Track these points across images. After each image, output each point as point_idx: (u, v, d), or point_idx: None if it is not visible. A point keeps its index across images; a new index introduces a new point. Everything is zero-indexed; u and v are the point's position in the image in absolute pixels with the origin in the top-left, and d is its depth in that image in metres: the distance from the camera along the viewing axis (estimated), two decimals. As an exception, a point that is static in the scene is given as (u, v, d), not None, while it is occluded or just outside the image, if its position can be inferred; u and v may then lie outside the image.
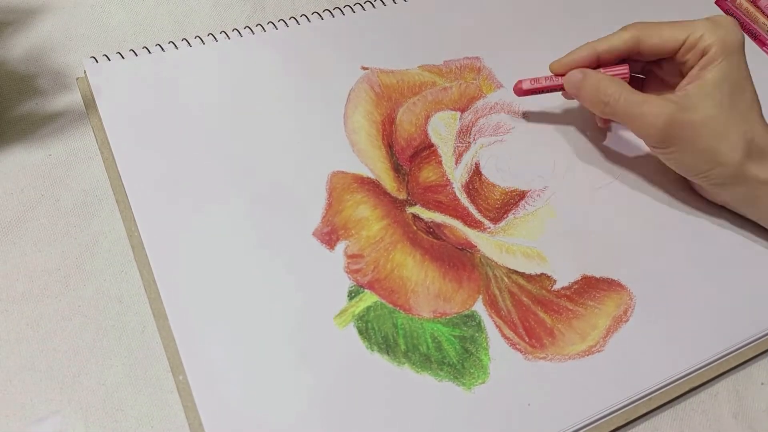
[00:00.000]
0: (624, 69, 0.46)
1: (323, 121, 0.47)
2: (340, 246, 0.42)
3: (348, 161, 0.45)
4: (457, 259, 0.43)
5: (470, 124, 0.49)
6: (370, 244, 0.42)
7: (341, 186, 0.44)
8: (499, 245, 0.44)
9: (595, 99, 0.44)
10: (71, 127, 0.45)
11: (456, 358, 0.39)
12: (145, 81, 0.46)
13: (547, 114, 0.50)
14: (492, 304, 0.41)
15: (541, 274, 0.43)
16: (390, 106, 0.48)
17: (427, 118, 0.48)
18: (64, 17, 0.51)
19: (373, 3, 0.53)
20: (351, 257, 0.41)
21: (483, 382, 0.39)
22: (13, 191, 0.43)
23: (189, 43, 0.48)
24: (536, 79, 0.47)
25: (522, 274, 0.43)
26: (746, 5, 0.59)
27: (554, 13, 0.56)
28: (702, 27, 0.43)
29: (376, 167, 0.45)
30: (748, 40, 0.58)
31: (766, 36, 0.58)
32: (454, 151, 0.47)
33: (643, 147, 0.48)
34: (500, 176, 0.47)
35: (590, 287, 0.43)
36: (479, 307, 0.41)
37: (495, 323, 0.41)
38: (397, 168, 0.46)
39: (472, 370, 0.39)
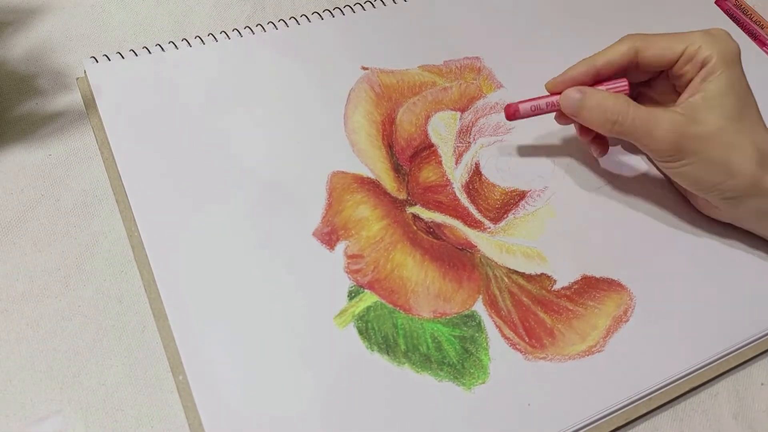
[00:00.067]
0: (623, 83, 0.44)
1: (323, 121, 0.47)
2: (340, 246, 0.42)
3: (348, 161, 0.45)
4: (457, 259, 0.43)
5: (470, 124, 0.49)
6: (370, 244, 0.42)
7: (341, 186, 0.44)
8: (499, 245, 0.44)
9: (602, 118, 0.42)
10: (71, 127, 0.45)
11: (456, 358, 0.39)
12: (145, 81, 0.46)
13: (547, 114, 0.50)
14: (492, 304, 0.41)
15: (541, 274, 0.43)
16: (390, 106, 0.48)
17: (427, 118, 0.48)
18: (64, 17, 0.51)
19: (373, 3, 0.53)
20: (351, 257, 0.41)
21: (483, 382, 0.39)
22: (13, 191, 0.43)
23: (189, 43, 0.48)
24: (530, 102, 0.45)
25: (522, 274, 0.43)
26: (746, 5, 0.59)
27: (554, 13, 0.56)
28: (699, 38, 0.42)
29: (376, 167, 0.45)
30: (748, 39, 0.58)
31: (766, 36, 0.58)
32: (454, 151, 0.47)
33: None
34: (500, 176, 0.47)
35: (590, 287, 0.43)
36: (479, 307, 0.41)
37: (495, 323, 0.41)
38: (397, 168, 0.46)
39: (472, 370, 0.39)
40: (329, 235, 0.42)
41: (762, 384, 0.43)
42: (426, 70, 0.51)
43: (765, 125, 0.42)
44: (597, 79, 0.44)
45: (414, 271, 0.42)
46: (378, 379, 0.38)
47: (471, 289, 0.42)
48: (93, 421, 0.36)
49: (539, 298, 0.42)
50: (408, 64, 0.51)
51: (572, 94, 0.43)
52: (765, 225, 0.44)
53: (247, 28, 0.50)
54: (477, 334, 0.40)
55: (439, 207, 0.45)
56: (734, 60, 0.42)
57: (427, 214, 0.44)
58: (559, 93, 0.44)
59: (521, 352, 0.40)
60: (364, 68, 0.50)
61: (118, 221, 0.42)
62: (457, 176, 0.46)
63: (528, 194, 0.46)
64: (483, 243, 0.44)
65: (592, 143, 0.46)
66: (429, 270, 0.42)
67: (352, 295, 0.40)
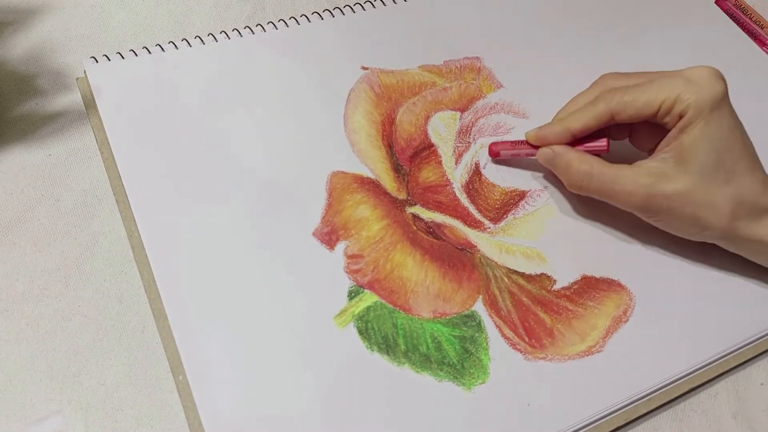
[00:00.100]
0: (602, 144, 0.44)
1: (323, 121, 0.47)
2: (340, 246, 0.42)
3: (348, 161, 0.45)
4: (457, 259, 0.43)
5: (470, 124, 0.49)
6: (370, 244, 0.42)
7: (341, 186, 0.44)
8: (499, 245, 0.44)
9: (569, 180, 0.43)
10: (71, 127, 0.45)
11: (456, 358, 0.39)
12: (145, 81, 0.46)
13: (547, 114, 0.50)
14: (492, 304, 0.41)
15: (541, 274, 0.43)
16: (390, 106, 0.48)
17: (427, 118, 0.48)
18: (64, 17, 0.51)
19: (373, 3, 0.53)
20: (351, 257, 0.41)
21: (483, 382, 0.39)
22: (13, 191, 0.43)
23: (189, 43, 0.48)
24: (513, 144, 0.46)
25: (522, 274, 0.43)
26: (746, 5, 0.59)
27: (554, 13, 0.56)
28: (677, 87, 0.40)
29: (376, 167, 0.45)
30: (748, 39, 0.58)
31: (766, 36, 0.58)
32: (454, 151, 0.47)
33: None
34: (500, 176, 0.47)
35: (590, 287, 0.43)
36: (479, 307, 0.41)
37: (495, 323, 0.41)
38: (397, 168, 0.46)
39: (472, 370, 0.39)
40: (329, 235, 0.42)
41: (762, 384, 0.43)
42: (426, 70, 0.51)
43: (750, 165, 0.41)
44: (573, 140, 0.44)
45: (414, 271, 0.42)
46: (378, 379, 0.38)
47: (471, 289, 0.42)
48: (93, 421, 0.36)
49: (539, 298, 0.42)
50: (408, 64, 0.50)
51: (546, 152, 0.45)
52: (758, 260, 0.44)
53: (247, 28, 0.50)
54: (477, 334, 0.40)
55: (439, 207, 0.45)
56: (714, 106, 0.40)
57: (427, 214, 0.44)
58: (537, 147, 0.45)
59: (521, 352, 0.40)
60: (364, 68, 0.50)
61: (118, 221, 0.42)
62: (457, 176, 0.46)
63: (528, 194, 0.46)
64: (483, 243, 0.44)
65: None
66: (429, 270, 0.42)
67: (352, 295, 0.40)
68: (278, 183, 0.44)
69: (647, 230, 0.45)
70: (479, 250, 0.43)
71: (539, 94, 0.49)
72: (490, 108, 0.50)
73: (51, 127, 0.45)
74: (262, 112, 0.46)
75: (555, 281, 0.43)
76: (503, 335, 0.40)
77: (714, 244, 0.44)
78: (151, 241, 0.40)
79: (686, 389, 0.41)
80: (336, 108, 0.47)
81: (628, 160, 0.43)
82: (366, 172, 0.45)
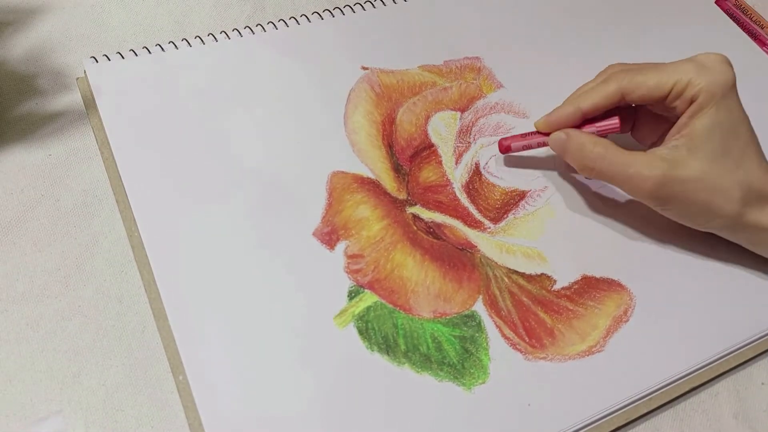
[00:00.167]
0: (614, 122, 0.44)
1: (323, 121, 0.47)
2: (340, 246, 0.42)
3: (348, 161, 0.45)
4: (457, 259, 0.43)
5: (470, 124, 0.49)
6: (370, 244, 0.42)
7: (341, 186, 0.44)
8: (499, 245, 0.44)
9: (580, 162, 0.43)
10: (71, 127, 0.45)
11: (456, 358, 0.39)
12: (145, 81, 0.46)
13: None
14: (492, 304, 0.41)
15: (541, 274, 0.43)
16: (390, 106, 0.48)
17: (428, 118, 0.48)
18: (64, 17, 0.51)
19: (373, 3, 0.53)
20: (351, 257, 0.41)
21: (483, 382, 0.39)
22: (13, 191, 0.43)
23: (189, 43, 0.48)
24: (523, 136, 0.46)
25: (522, 274, 0.43)
26: (746, 5, 0.59)
27: (554, 13, 0.56)
28: (689, 71, 0.41)
29: (376, 167, 0.45)
30: (748, 39, 0.58)
31: (766, 36, 0.58)
32: (454, 151, 0.47)
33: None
34: (500, 176, 0.47)
35: (590, 287, 0.43)
36: (479, 307, 0.41)
37: (495, 323, 0.41)
38: (397, 168, 0.46)
39: (472, 370, 0.39)
40: (329, 235, 0.42)
41: (762, 384, 0.43)
42: (426, 70, 0.51)
43: (757, 155, 0.41)
44: (584, 120, 0.44)
45: (414, 271, 0.42)
46: (378, 379, 0.38)
47: (471, 289, 0.42)
48: (93, 422, 0.36)
49: (539, 298, 0.42)
50: (408, 64, 0.50)
51: (559, 135, 0.44)
52: (758, 250, 0.44)
53: (247, 28, 0.50)
54: (477, 334, 0.40)
55: (439, 207, 0.45)
56: (725, 92, 0.41)
57: (427, 214, 0.44)
58: (547, 134, 0.45)
59: (521, 352, 0.40)
60: (364, 68, 0.50)
61: (118, 221, 0.42)
62: (457, 176, 0.46)
63: (528, 194, 0.46)
64: (483, 243, 0.44)
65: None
66: (429, 270, 0.42)
67: (352, 295, 0.40)
68: (278, 183, 0.44)
69: (648, 230, 0.45)
70: (479, 250, 0.43)
71: (539, 94, 0.49)
72: (491, 108, 0.50)
73: (51, 127, 0.45)
74: (262, 112, 0.46)
75: (555, 281, 0.43)
76: (503, 335, 0.40)
77: (714, 244, 0.44)
78: (151, 241, 0.40)
79: (687, 389, 0.41)
80: (336, 108, 0.47)
81: None
82: (366, 172, 0.45)
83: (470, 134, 0.48)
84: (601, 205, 0.46)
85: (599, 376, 0.40)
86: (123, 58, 0.47)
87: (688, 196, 0.41)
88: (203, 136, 0.45)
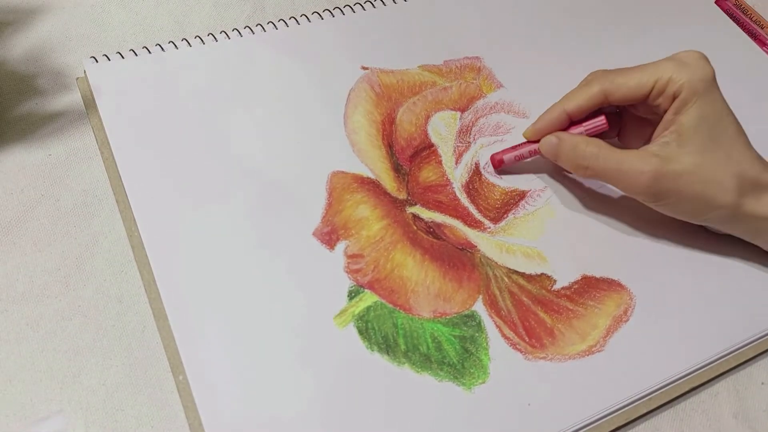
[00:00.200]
0: (601, 121, 0.44)
1: (323, 121, 0.47)
2: (340, 246, 0.42)
3: (348, 161, 0.45)
4: (457, 259, 0.43)
5: (470, 124, 0.49)
6: (370, 244, 0.42)
7: (341, 186, 0.44)
8: (499, 245, 0.44)
9: (573, 162, 0.43)
10: (71, 127, 0.45)
11: (456, 358, 0.39)
12: (145, 81, 0.46)
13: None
14: (492, 304, 0.41)
15: (541, 274, 0.43)
16: (390, 106, 0.48)
17: (427, 118, 0.48)
18: (64, 17, 0.51)
19: (373, 3, 0.53)
20: (351, 257, 0.41)
21: (483, 382, 0.39)
22: (13, 191, 0.43)
23: (189, 43, 0.48)
24: (513, 148, 0.46)
25: (522, 274, 0.43)
26: (746, 5, 0.59)
27: (554, 13, 0.56)
28: (669, 69, 0.41)
29: (376, 167, 0.45)
30: (748, 39, 0.58)
31: (766, 36, 0.58)
32: (454, 150, 0.47)
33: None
34: (500, 176, 0.47)
35: (590, 287, 0.43)
36: (479, 307, 0.41)
37: (495, 323, 0.41)
38: (397, 168, 0.46)
39: (472, 370, 0.39)
40: (329, 235, 0.42)
41: (762, 384, 0.43)
42: (426, 69, 0.51)
43: (745, 145, 0.42)
44: (570, 122, 0.45)
45: (414, 270, 0.42)
46: (378, 379, 0.38)
47: (471, 289, 0.42)
48: (93, 421, 0.36)
49: (539, 298, 0.42)
50: (408, 64, 0.51)
51: (549, 139, 0.44)
52: (757, 241, 0.44)
53: (247, 28, 0.50)
54: (477, 334, 0.40)
55: (439, 207, 0.45)
56: (707, 87, 0.41)
57: (427, 214, 0.44)
58: (537, 141, 0.45)
59: (521, 352, 0.40)
60: (364, 68, 0.50)
61: (118, 221, 0.42)
62: (457, 176, 0.46)
63: (528, 194, 0.46)
64: (483, 243, 0.44)
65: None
66: (429, 270, 0.42)
67: (352, 294, 0.40)
68: (278, 183, 0.44)
69: (648, 230, 0.45)
70: (479, 250, 0.43)
71: (539, 94, 0.49)
72: (491, 108, 0.50)
73: (51, 127, 0.45)
74: (262, 112, 0.46)
75: (555, 281, 0.43)
76: (503, 335, 0.40)
77: (714, 244, 0.44)
78: (151, 241, 0.40)
79: (687, 389, 0.41)
80: (336, 108, 0.47)
81: None
82: (366, 172, 0.45)
83: (470, 134, 0.48)
84: (601, 205, 0.46)
85: (599, 375, 0.40)
86: (123, 58, 0.47)
87: (683, 190, 0.41)
88: (203, 136, 0.45)
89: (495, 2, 0.56)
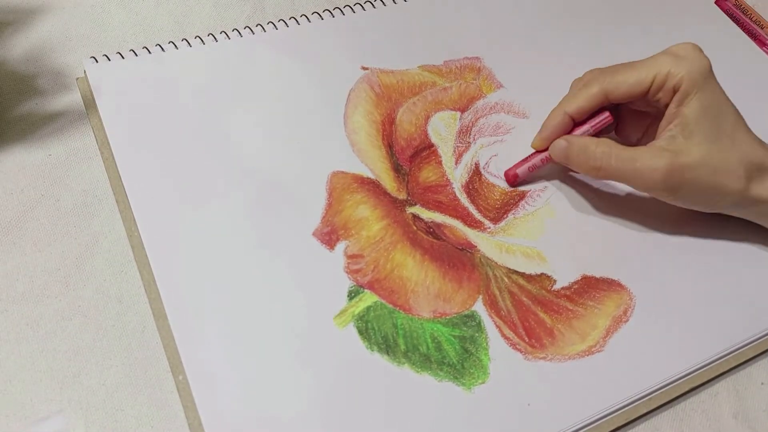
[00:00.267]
0: (606, 116, 0.44)
1: (323, 121, 0.47)
2: (340, 246, 0.42)
3: (348, 161, 0.45)
4: (457, 259, 0.43)
5: (470, 124, 0.49)
6: (370, 244, 0.42)
7: (341, 186, 0.44)
8: (499, 245, 0.44)
9: (585, 165, 0.43)
10: (71, 127, 0.45)
11: (456, 358, 0.39)
12: (145, 81, 0.46)
13: (547, 113, 0.50)
14: (492, 304, 0.41)
15: (541, 274, 0.43)
16: (390, 106, 0.48)
17: (427, 118, 0.48)
18: (64, 17, 0.51)
19: (373, 3, 0.53)
20: (351, 257, 0.41)
21: (483, 382, 0.39)
22: (13, 191, 0.43)
23: (189, 43, 0.48)
24: (525, 160, 0.46)
25: (522, 274, 0.43)
26: (746, 5, 0.59)
27: (554, 13, 0.56)
28: (666, 63, 0.42)
29: (376, 167, 0.45)
30: (748, 39, 0.58)
31: (766, 36, 0.58)
32: (454, 151, 0.47)
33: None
34: (500, 176, 0.47)
35: (590, 287, 0.43)
36: (479, 307, 0.41)
37: (495, 323, 0.41)
38: (397, 168, 0.46)
39: (472, 370, 0.39)
40: (329, 235, 0.42)
41: (762, 383, 0.43)
42: (426, 70, 0.51)
43: (746, 131, 0.42)
44: (575, 123, 0.45)
45: (414, 271, 0.42)
46: (378, 379, 0.38)
47: (471, 289, 0.42)
48: (93, 421, 0.36)
49: (539, 298, 0.42)
50: (408, 64, 0.51)
51: (559, 143, 0.45)
52: (765, 224, 0.45)
53: (247, 28, 0.50)
54: (477, 334, 0.40)
55: (439, 207, 0.45)
56: (705, 78, 0.42)
57: (427, 214, 0.44)
58: (546, 149, 0.45)
59: (521, 352, 0.40)
60: (364, 68, 0.50)
61: (118, 221, 0.42)
62: (457, 176, 0.46)
63: (528, 194, 0.46)
64: (483, 243, 0.44)
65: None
66: (429, 270, 0.42)
67: (352, 295, 0.40)
68: (278, 183, 0.44)
69: (648, 230, 0.45)
70: (479, 250, 0.43)
71: (539, 94, 0.49)
72: (490, 108, 0.50)
73: (51, 127, 0.45)
74: (262, 112, 0.46)
75: (555, 281, 0.43)
76: (503, 335, 0.40)
77: (714, 244, 0.44)
78: (151, 241, 0.40)
79: (686, 389, 0.41)
80: (336, 108, 0.47)
81: None
82: (366, 172, 0.45)
83: (470, 134, 0.48)
84: (600, 205, 0.46)
85: (599, 376, 0.40)
86: (123, 58, 0.47)
87: (696, 181, 0.41)
88: (203, 136, 0.45)
89: (495, 2, 0.56)
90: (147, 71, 0.47)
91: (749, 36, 0.58)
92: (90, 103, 0.46)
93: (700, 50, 0.43)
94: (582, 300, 0.42)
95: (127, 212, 0.42)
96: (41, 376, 0.37)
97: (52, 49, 0.49)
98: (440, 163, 0.47)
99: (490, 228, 0.44)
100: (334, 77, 0.49)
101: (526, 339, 0.40)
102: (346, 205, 0.43)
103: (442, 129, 0.48)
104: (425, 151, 0.47)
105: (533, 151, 0.46)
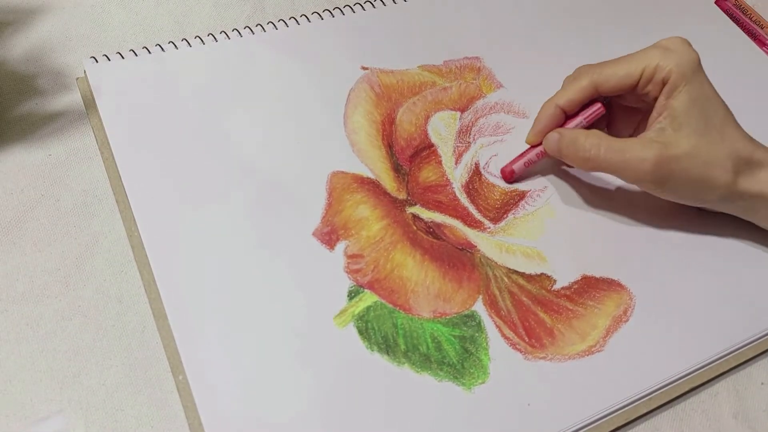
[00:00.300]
0: (598, 106, 0.45)
1: (323, 121, 0.47)
2: (340, 246, 0.42)
3: (348, 161, 0.45)
4: (457, 259, 0.43)
5: (470, 124, 0.49)
6: (370, 244, 0.42)
7: (341, 186, 0.44)
8: (499, 245, 0.44)
9: (576, 156, 0.43)
10: (71, 127, 0.45)
11: (456, 358, 0.39)
12: (145, 81, 0.46)
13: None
14: (492, 304, 0.41)
15: (541, 274, 0.43)
16: (390, 106, 0.48)
17: (427, 118, 0.48)
18: (64, 17, 0.51)
19: (373, 3, 0.53)
20: (351, 257, 0.41)
21: (483, 382, 0.39)
22: (13, 191, 0.43)
23: (189, 43, 0.48)
24: (520, 156, 0.46)
25: (522, 274, 0.43)
26: (746, 5, 0.59)
27: (554, 13, 0.56)
28: (655, 56, 0.42)
29: (376, 167, 0.45)
30: (748, 39, 0.58)
31: (766, 36, 0.58)
32: (454, 151, 0.47)
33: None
34: (500, 176, 0.47)
35: (590, 287, 0.43)
36: (479, 307, 0.41)
37: (495, 323, 0.41)
38: (397, 168, 0.46)
39: (472, 370, 0.39)
40: (329, 235, 0.42)
41: (762, 383, 0.43)
42: (426, 70, 0.51)
43: (734, 125, 0.43)
44: (567, 116, 0.45)
45: (414, 271, 0.42)
46: (378, 379, 0.38)
47: (471, 289, 0.42)
48: (93, 421, 0.36)
49: (539, 298, 0.42)
50: (408, 64, 0.51)
51: (552, 136, 0.45)
52: (754, 219, 0.45)
53: (247, 28, 0.50)
54: (477, 334, 0.40)
55: (438, 207, 0.45)
56: (694, 71, 0.42)
57: (426, 214, 0.44)
58: (541, 143, 0.46)
59: (521, 352, 0.40)
60: (364, 68, 0.50)
61: (118, 221, 0.42)
62: (457, 176, 0.46)
63: (528, 194, 0.46)
64: (483, 243, 0.44)
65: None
66: (429, 270, 0.42)
67: (351, 295, 0.40)
68: (278, 183, 0.44)
69: (648, 230, 0.45)
70: (479, 250, 0.43)
71: (539, 94, 0.48)
72: (490, 108, 0.50)
73: (51, 127, 0.45)
74: (262, 112, 0.47)
75: (555, 281, 0.43)
76: (503, 335, 0.40)
77: (714, 244, 0.44)
78: (151, 241, 0.40)
79: (686, 389, 0.41)
80: (336, 108, 0.47)
81: None
82: (366, 172, 0.45)
83: (470, 134, 0.48)
84: (601, 205, 0.46)
85: (599, 376, 0.40)
86: (123, 58, 0.47)
87: (684, 173, 0.42)
88: (203, 136, 0.45)
89: (495, 2, 0.56)
90: (147, 71, 0.47)
91: (749, 36, 0.58)
92: (90, 103, 0.46)
93: (689, 44, 0.43)
94: (582, 300, 0.42)
95: (127, 212, 0.42)
96: (41, 376, 0.37)
97: (52, 49, 0.49)
98: (440, 163, 0.47)
99: (490, 228, 0.44)
100: (334, 77, 0.49)
101: (526, 339, 0.40)
102: (346, 205, 0.43)
103: (442, 129, 0.48)
104: (425, 151, 0.47)
105: (527, 147, 0.46)
